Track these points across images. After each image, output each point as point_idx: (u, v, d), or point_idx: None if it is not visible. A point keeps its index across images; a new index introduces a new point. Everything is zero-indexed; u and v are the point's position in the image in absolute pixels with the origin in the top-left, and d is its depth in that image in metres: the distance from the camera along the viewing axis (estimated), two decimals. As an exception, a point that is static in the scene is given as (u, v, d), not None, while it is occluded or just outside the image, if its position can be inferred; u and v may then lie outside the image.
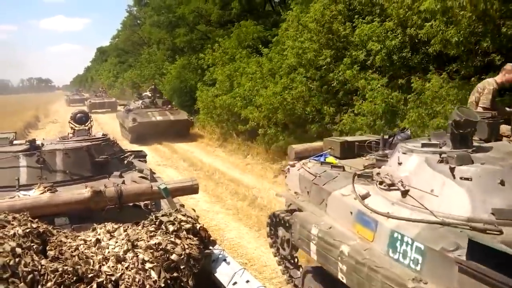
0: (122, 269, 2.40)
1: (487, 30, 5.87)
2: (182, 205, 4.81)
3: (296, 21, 10.58)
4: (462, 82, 6.59)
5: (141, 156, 7.10)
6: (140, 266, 2.43)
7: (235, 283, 2.72)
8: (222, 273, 2.88)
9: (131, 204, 4.27)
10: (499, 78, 4.85)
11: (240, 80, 13.14)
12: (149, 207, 4.53)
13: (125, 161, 6.09)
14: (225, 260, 2.96)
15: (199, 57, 17.62)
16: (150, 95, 18.62)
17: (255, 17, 16.70)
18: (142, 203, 4.44)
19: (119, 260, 2.49)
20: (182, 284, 2.53)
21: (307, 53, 9.88)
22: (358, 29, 8.66)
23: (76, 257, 2.50)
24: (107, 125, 22.62)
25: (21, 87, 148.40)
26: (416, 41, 7.56)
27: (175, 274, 2.52)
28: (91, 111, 29.23)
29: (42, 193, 4.33)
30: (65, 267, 2.38)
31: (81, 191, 3.99)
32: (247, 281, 2.70)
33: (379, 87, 7.87)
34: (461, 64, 6.75)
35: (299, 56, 10.17)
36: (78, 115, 7.25)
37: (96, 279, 2.37)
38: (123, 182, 4.87)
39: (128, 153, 6.56)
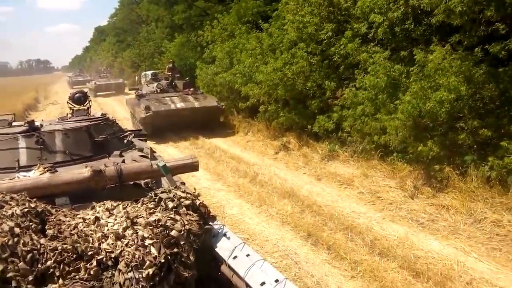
0: (121, 246, 2.40)
1: (491, -1, 5.73)
2: (183, 183, 4.82)
3: (296, -5, 10.37)
4: (465, 53, 6.46)
5: (141, 135, 7.07)
6: (139, 243, 2.43)
7: (235, 257, 2.73)
8: (222, 247, 2.89)
9: (131, 182, 4.26)
10: None
11: (240, 56, 12.99)
12: (149, 185, 4.52)
13: (125, 141, 6.06)
14: (225, 235, 2.97)
15: (198, 34, 17.40)
16: (168, 75, 15.29)
17: (254, -8, 16.34)
18: (142, 182, 4.42)
19: (118, 237, 2.49)
20: (182, 259, 2.53)
21: (308, 27, 9.72)
22: (360, 1, 8.47)
23: (75, 235, 2.50)
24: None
25: (20, 69, 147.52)
26: (419, 12, 7.39)
27: (175, 250, 2.52)
28: (96, 94, 28.16)
29: (42, 173, 4.32)
30: (65, 245, 2.38)
31: (81, 171, 3.97)
32: (248, 255, 2.71)
33: (381, 60, 7.74)
34: (464, 35, 6.61)
35: (299, 30, 10.01)
36: (77, 95, 7.21)
37: (96, 256, 2.38)
38: (123, 161, 4.85)
39: (128, 132, 6.54)
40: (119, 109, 20.97)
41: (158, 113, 12.21)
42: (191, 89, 13.97)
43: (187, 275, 2.52)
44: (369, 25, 8.42)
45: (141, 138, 6.88)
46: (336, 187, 7.90)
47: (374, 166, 8.08)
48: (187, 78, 15.69)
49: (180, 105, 12.70)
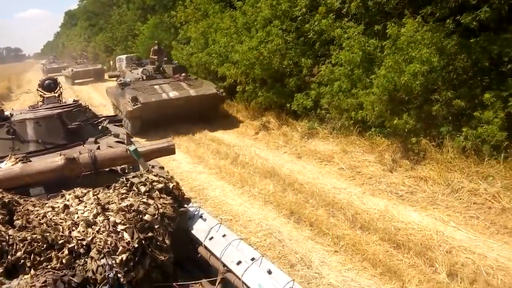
0: (93, 233, 2.36)
1: (461, -32, 5.71)
2: (162, 167, 4.76)
3: (268, -29, 10.17)
4: (437, 24, 6.48)
5: (116, 120, 6.94)
6: (111, 229, 2.39)
7: (211, 238, 2.72)
8: (198, 229, 2.87)
9: (107, 169, 4.18)
10: None
11: (214, 36, 12.78)
12: (126, 171, 4.46)
13: (100, 127, 5.94)
14: (201, 216, 2.95)
15: (171, 15, 17.06)
16: (154, 59, 13.65)
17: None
18: (118, 168, 4.36)
19: (89, 224, 2.44)
20: (158, 243, 2.51)
21: (282, 4, 9.60)
22: (332, -25, 8.39)
23: (44, 224, 2.44)
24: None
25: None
26: (391, -16, 7.35)
27: (149, 234, 2.49)
28: (74, 82, 26.85)
29: (14, 164, 4.21)
30: (34, 235, 2.33)
31: (54, 159, 3.87)
32: (224, 235, 2.70)
33: (355, 35, 7.72)
34: (436, 6, 6.61)
35: (273, 7, 9.88)
36: (46, 81, 6.99)
37: (67, 244, 2.33)
38: (98, 148, 4.76)
39: (102, 118, 6.40)
40: (95, 96, 20.52)
41: (148, 104, 10.29)
42: (183, 74, 12.11)
43: (163, 258, 2.50)
44: (342, 0, 8.35)
45: (117, 124, 6.75)
46: (316, 164, 7.94)
47: (353, 141, 8.15)
48: (175, 62, 13.98)
49: (173, 94, 10.74)
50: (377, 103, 7.02)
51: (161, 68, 12.57)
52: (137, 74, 12.45)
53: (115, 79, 13.88)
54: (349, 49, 7.72)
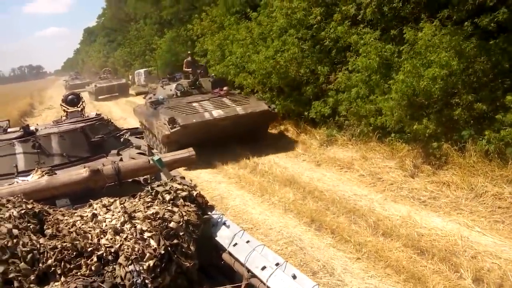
0: (120, 240, 2.41)
1: (477, -30, 5.68)
2: (183, 177, 4.83)
3: (283, -20, 10.28)
4: (455, 27, 6.43)
5: (138, 133, 7.07)
6: (138, 236, 2.44)
7: (235, 244, 2.75)
8: (222, 236, 2.91)
9: (130, 180, 4.27)
10: None
11: (231, 48, 12.94)
12: (148, 181, 4.53)
13: (122, 139, 6.06)
14: (224, 223, 2.98)
15: (188, 28, 17.33)
16: (188, 72, 11.92)
17: (242, -19, 16.23)
18: (141, 178, 4.44)
19: (117, 232, 2.50)
20: (183, 250, 2.55)
21: (297, 13, 9.68)
22: (346, -17, 8.44)
23: (74, 232, 2.51)
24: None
25: (12, 76, 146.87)
26: (406, -11, 7.35)
27: (175, 241, 2.53)
28: (98, 97, 25.93)
29: (40, 177, 4.33)
30: (64, 244, 2.39)
31: (79, 171, 3.97)
32: (247, 241, 2.72)
33: (372, 40, 7.72)
34: (453, 9, 6.58)
35: (288, 16, 9.97)
36: (70, 97, 7.16)
37: (96, 252, 2.39)
38: (121, 159, 4.86)
39: (124, 131, 6.54)
40: (116, 110, 20.88)
41: (189, 127, 8.73)
42: (224, 88, 10.40)
43: (188, 264, 2.53)
44: (357, 6, 8.38)
45: (138, 136, 6.89)
46: (336, 171, 7.91)
47: (373, 148, 8.09)
48: (213, 75, 12.23)
49: (217, 113, 9.11)
50: (396, 108, 6.97)
51: (197, 83, 10.94)
52: (170, 90, 10.74)
53: (142, 96, 12.62)
54: (366, 55, 7.72)
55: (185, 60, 12.77)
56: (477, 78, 6.45)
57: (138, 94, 14.03)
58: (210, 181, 8.22)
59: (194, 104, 9.52)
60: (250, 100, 9.88)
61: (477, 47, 6.26)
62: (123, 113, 17.92)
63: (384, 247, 4.97)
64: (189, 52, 13.66)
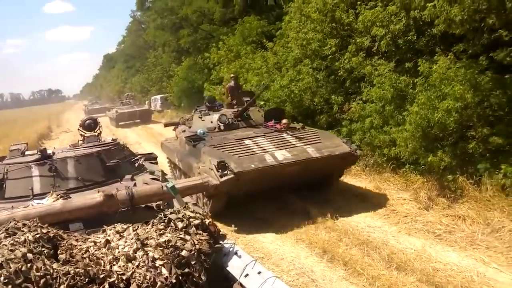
0: (132, 268, 2.42)
1: (491, 6, 5.73)
2: (195, 204, 4.86)
3: (298, 13, 10.53)
4: (470, 61, 6.46)
5: (152, 158, 7.15)
6: (150, 264, 2.44)
7: (247, 275, 2.73)
8: (233, 266, 2.89)
9: (143, 205, 4.30)
10: None
11: (247, 76, 13.14)
12: (161, 207, 4.56)
13: (136, 164, 6.13)
14: (236, 253, 2.97)
15: (205, 56, 17.69)
16: (232, 100, 9.65)
17: (258, 12, 16.68)
18: (154, 204, 4.47)
19: (129, 259, 2.51)
20: (194, 279, 2.54)
21: (312, 43, 9.83)
22: (361, 15, 8.59)
23: (87, 258, 2.53)
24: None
25: (32, 99, 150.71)
26: (421, 23, 7.45)
27: (186, 270, 2.53)
28: (119, 124, 24.47)
29: (55, 200, 4.39)
30: (77, 269, 2.41)
31: (93, 196, 4.03)
32: (259, 272, 2.70)
33: (386, 72, 7.78)
34: (468, 43, 6.63)
35: (303, 47, 10.13)
36: (87, 121, 7.33)
37: (108, 279, 2.40)
38: (135, 185, 4.91)
39: (139, 156, 6.63)
40: (131, 135, 21.10)
41: (246, 175, 6.44)
42: (283, 121, 8.14)
43: (199, 295, 2.52)
44: (372, 38, 8.50)
45: (152, 162, 6.95)
46: (349, 202, 7.82)
47: (387, 179, 8.01)
48: (262, 103, 10.41)
49: (282, 155, 6.83)
50: (410, 139, 6.94)
51: (246, 113, 8.83)
52: (211, 122, 8.67)
53: (172, 128, 10.48)
54: (380, 85, 7.77)
55: (228, 86, 10.33)
56: (493, 112, 6.42)
57: (167, 125, 11.25)
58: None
59: (246, 142, 7.34)
60: (321, 137, 7.52)
61: (493, 81, 6.25)
62: (138, 137, 18.02)
63: (398, 282, 4.85)
64: (232, 75, 10.93)
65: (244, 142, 7.35)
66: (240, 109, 8.86)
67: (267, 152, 6.96)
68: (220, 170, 6.40)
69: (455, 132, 6.70)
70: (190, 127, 8.97)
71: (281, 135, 7.67)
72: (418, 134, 6.86)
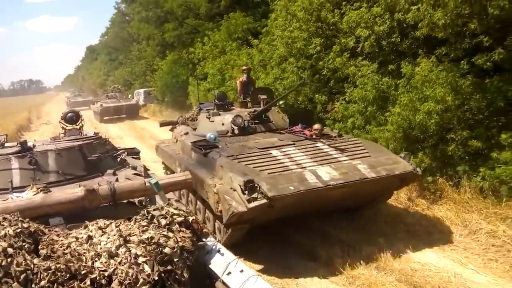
0: (115, 264, 2.41)
1: (473, 11, 5.85)
2: (177, 200, 4.83)
3: (284, 11, 10.53)
4: (451, 64, 6.59)
5: (134, 153, 7.07)
6: (133, 261, 2.44)
7: (229, 273, 2.74)
8: (216, 264, 2.90)
9: (125, 201, 4.26)
10: None
11: (231, 73, 13.11)
12: (143, 203, 4.53)
13: (118, 159, 6.06)
14: (218, 251, 2.98)
15: (189, 51, 17.57)
16: (245, 97, 8.34)
17: (244, 9, 16.61)
18: (136, 200, 4.44)
19: (111, 255, 2.49)
20: (176, 276, 2.54)
21: (297, 42, 9.86)
22: (346, 16, 8.66)
23: (68, 254, 2.50)
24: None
25: (12, 89, 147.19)
26: (405, 25, 7.55)
27: (169, 267, 2.53)
28: (103, 119, 23.09)
29: (35, 194, 4.31)
30: (58, 265, 2.38)
31: (74, 190, 3.98)
32: (241, 271, 2.72)
33: (369, 73, 7.88)
34: (450, 47, 6.75)
35: (288, 46, 10.15)
36: (69, 114, 7.20)
37: (90, 275, 2.38)
38: (117, 180, 4.86)
39: (121, 151, 6.54)
40: (112, 128, 20.80)
41: (282, 200, 4.96)
42: (315, 126, 6.68)
43: (181, 292, 2.53)
44: (356, 39, 8.57)
45: (135, 156, 6.88)
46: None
47: (367, 178, 8.09)
48: (282, 102, 8.81)
49: (328, 175, 5.31)
50: (392, 140, 7.06)
51: (264, 114, 7.42)
52: (222, 124, 7.23)
53: (170, 128, 9.19)
54: (363, 86, 7.86)
55: (240, 80, 9.01)
56: (473, 115, 6.55)
57: (163, 125, 9.58)
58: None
59: (274, 153, 5.81)
60: (368, 150, 6.02)
61: (473, 85, 6.39)
62: (120, 131, 17.80)
63: (377, 281, 4.93)
64: (244, 67, 9.43)
65: (271, 153, 5.81)
66: (257, 109, 7.45)
67: (305, 168, 5.43)
68: (247, 193, 4.86)
69: (436, 134, 6.83)
70: (195, 129, 7.63)
71: (316, 144, 6.15)
72: (399, 135, 6.97)
